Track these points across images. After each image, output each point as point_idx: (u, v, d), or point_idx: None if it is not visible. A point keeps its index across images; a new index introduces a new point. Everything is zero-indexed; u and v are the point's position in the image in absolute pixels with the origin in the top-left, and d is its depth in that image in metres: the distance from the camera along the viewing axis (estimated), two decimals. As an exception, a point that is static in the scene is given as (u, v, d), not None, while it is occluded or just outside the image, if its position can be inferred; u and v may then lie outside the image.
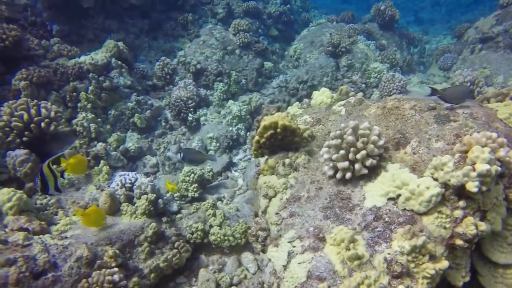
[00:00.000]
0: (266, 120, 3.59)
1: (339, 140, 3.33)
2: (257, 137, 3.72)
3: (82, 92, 6.96)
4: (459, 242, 2.84)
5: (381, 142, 3.25)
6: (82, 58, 7.43)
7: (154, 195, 4.99)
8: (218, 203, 6.11)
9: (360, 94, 4.49)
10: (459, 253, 3.00)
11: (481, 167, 2.63)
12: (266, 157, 3.93)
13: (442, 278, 3.12)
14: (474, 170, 2.69)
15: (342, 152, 3.26)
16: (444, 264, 2.81)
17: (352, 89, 8.62)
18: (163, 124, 7.97)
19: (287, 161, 3.69)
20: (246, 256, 4.99)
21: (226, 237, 5.02)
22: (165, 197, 5.44)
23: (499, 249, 3.09)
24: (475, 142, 2.84)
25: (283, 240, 3.15)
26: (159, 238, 4.65)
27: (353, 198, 3.27)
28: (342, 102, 4.26)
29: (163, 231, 4.78)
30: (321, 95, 4.81)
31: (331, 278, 2.75)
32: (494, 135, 2.89)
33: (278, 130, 3.62)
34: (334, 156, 3.28)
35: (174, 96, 8.03)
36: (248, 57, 9.40)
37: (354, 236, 2.92)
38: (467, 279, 3.10)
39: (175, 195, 5.89)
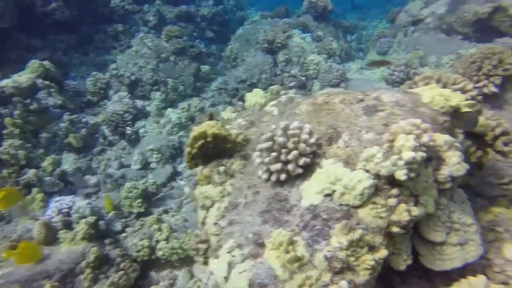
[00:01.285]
0: (195, 131, 3.50)
1: (270, 142, 3.30)
2: (188, 149, 3.61)
3: (7, 118, 6.49)
4: (395, 229, 2.91)
5: (312, 140, 3.26)
6: (4, 82, 6.92)
7: (95, 217, 4.76)
8: (164, 215, 5.94)
9: (292, 92, 4.51)
10: (398, 239, 3.08)
11: (407, 155, 2.70)
12: (201, 167, 3.83)
13: (387, 265, 3.21)
14: (401, 158, 2.75)
15: (273, 154, 3.23)
16: (383, 253, 2.87)
17: (293, 82, 8.75)
18: (101, 140, 7.64)
19: (221, 168, 3.62)
20: (198, 267, 4.88)
21: (174, 251, 4.89)
22: (107, 217, 5.19)
23: (434, 229, 3.20)
24: (400, 130, 2.91)
25: (222, 251, 3.08)
26: (102, 262, 4.43)
27: (290, 199, 3.26)
28: (274, 102, 4.25)
29: (107, 254, 4.56)
30: (254, 96, 4.77)
31: (272, 284, 2.72)
32: (418, 121, 2.98)
33: (208, 139, 3.54)
34: (266, 159, 3.25)
35: (110, 110, 7.72)
36: (184, 62, 9.23)
37: (292, 237, 2.91)
38: (409, 261, 3.20)
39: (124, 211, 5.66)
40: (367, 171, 2.97)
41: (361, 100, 3.52)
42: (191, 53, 9.32)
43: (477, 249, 3.37)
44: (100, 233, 4.69)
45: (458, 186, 4.55)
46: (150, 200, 6.31)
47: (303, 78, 9.01)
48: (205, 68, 9.58)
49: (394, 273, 3.61)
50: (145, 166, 7.10)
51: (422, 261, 3.33)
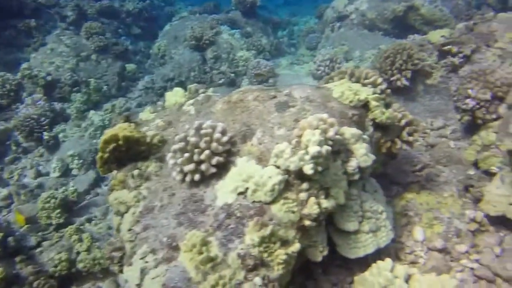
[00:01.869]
0: (106, 134, 3.38)
1: (183, 143, 3.28)
2: (99, 153, 3.47)
3: None
4: (307, 222, 3.02)
5: (224, 139, 3.28)
6: None
7: (1, 234, 4.42)
8: (87, 224, 5.68)
9: (211, 90, 4.50)
10: (313, 231, 3.20)
11: (313, 149, 2.81)
12: (115, 171, 3.71)
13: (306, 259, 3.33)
14: (307, 153, 2.85)
15: (186, 154, 3.21)
16: (296, 247, 2.97)
17: (222, 79, 8.75)
18: (14, 148, 7.12)
19: (136, 172, 3.53)
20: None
21: (96, 261, 4.70)
22: (18, 233, 4.85)
23: (347, 219, 3.37)
24: (308, 125, 3.01)
25: (135, 257, 3.01)
26: (11, 283, 4.13)
27: (206, 199, 3.26)
28: (191, 101, 4.22)
29: (17, 273, 4.25)
30: (174, 96, 4.70)
31: (186, 287, 2.70)
32: (325, 116, 3.10)
33: (120, 142, 3.43)
34: (179, 160, 3.22)
35: (22, 115, 7.19)
36: (107, 61, 8.87)
37: (206, 238, 2.91)
38: (325, 252, 3.34)
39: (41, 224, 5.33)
40: (278, 167, 3.04)
41: (274, 97, 3.60)
42: (115, 51, 8.98)
43: (388, 234, 3.61)
44: (8, 251, 4.37)
45: (375, 176, 4.85)
46: (71, 209, 6.01)
47: (233, 75, 9.06)
48: (130, 66, 9.28)
49: (316, 264, 3.76)
50: (66, 173, 6.73)
51: (339, 251, 3.49)
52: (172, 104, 4.70)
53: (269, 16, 13.24)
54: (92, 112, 7.74)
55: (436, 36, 6.09)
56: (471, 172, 4.63)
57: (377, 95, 3.77)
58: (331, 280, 3.68)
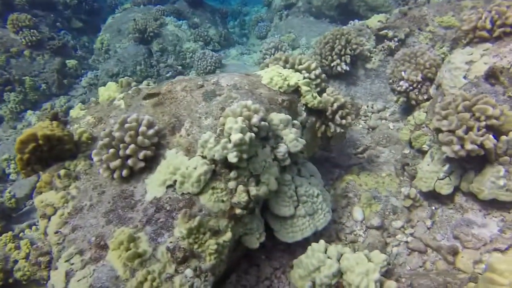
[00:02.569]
0: (23, 134, 3.24)
1: (108, 138, 3.21)
2: (17, 155, 3.33)
3: None
4: (237, 211, 3.05)
5: (151, 132, 3.25)
6: None
7: None
8: (27, 231, 5.48)
9: (144, 83, 4.42)
10: (246, 219, 3.24)
11: (235, 137, 2.82)
12: (41, 173, 3.58)
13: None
14: (230, 141, 2.87)
15: (111, 150, 3.15)
16: (228, 236, 3.00)
17: (170, 72, 8.62)
18: None
19: (62, 172, 3.42)
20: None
21: (35, 269, 4.51)
22: None
23: (282, 204, 3.44)
24: (231, 113, 3.03)
25: (60, 261, 2.93)
26: None
27: (136, 194, 3.22)
28: (121, 95, 4.13)
29: None
30: (107, 90, 4.58)
31: (113, 286, 2.67)
32: (249, 103, 3.13)
33: (40, 141, 3.31)
34: (104, 157, 3.15)
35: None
36: (44, 57, 8.50)
37: (134, 234, 2.88)
38: (263, 239, 3.40)
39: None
40: (204, 157, 3.05)
41: (201, 86, 3.59)
42: (51, 46, 8.61)
43: (326, 217, 3.72)
44: None
45: (318, 160, 4.98)
46: (9, 216, 5.76)
47: (180, 67, 8.95)
48: (71, 62, 8.94)
49: (260, 251, 3.82)
50: (1, 178, 6.44)
51: (277, 236, 3.56)
52: (105, 99, 4.58)
53: (217, 6, 13.13)
54: (29, 112, 7.42)
55: (374, 21, 6.27)
56: (406, 151, 4.84)
57: (307, 80, 3.84)
58: (273, 264, 3.75)
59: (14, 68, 8.06)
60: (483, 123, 3.59)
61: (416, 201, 4.23)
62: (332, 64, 5.87)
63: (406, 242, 3.95)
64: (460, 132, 3.61)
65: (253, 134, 2.92)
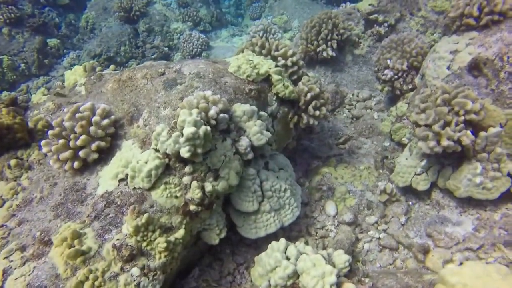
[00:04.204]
0: (-32, 120, 3.13)
1: (59, 128, 3.10)
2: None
3: None
4: (192, 207, 2.95)
5: (105, 122, 3.13)
6: None
7: None
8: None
9: (111, 67, 4.28)
10: (204, 215, 3.14)
11: (187, 131, 2.70)
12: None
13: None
14: (182, 135, 2.74)
15: (61, 141, 3.03)
16: (181, 233, 2.91)
17: (155, 54, 8.44)
18: None
19: (12, 162, 3.33)
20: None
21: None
22: None
23: (245, 199, 3.33)
24: (187, 105, 2.90)
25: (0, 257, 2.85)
26: None
27: (88, 187, 3.12)
28: (83, 81, 3.99)
29: None
30: (74, 74, 4.44)
31: (52, 285, 2.59)
32: (208, 93, 3.00)
33: (-13, 128, 3.20)
34: (53, 147, 3.04)
35: None
36: (24, 35, 8.32)
37: (80, 230, 2.79)
38: (223, 235, 3.30)
39: None
40: (157, 150, 2.93)
41: (163, 74, 3.45)
42: (32, 24, 8.41)
43: (293, 212, 3.61)
44: None
45: (297, 150, 4.86)
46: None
47: (166, 48, 8.75)
48: (53, 41, 8.76)
49: (225, 244, 3.75)
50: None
51: (240, 232, 3.47)
52: (71, 83, 4.45)
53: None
54: (4, 93, 7.29)
55: (365, 4, 6.04)
56: (387, 143, 4.71)
57: (279, 68, 3.69)
58: (237, 260, 3.68)
59: (-10, 46, 7.91)
60: (462, 118, 3.45)
61: (393, 196, 4.12)
62: (318, 50, 5.69)
63: (378, 238, 3.86)
64: (436, 127, 3.47)
65: (208, 128, 2.79)
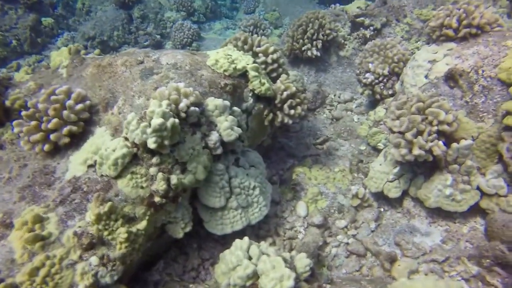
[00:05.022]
0: None
1: (33, 109, 2.99)
2: None
3: None
4: (157, 199, 2.87)
5: (78, 106, 3.03)
6: None
7: None
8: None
9: (96, 52, 4.15)
10: (170, 207, 3.06)
11: (154, 122, 2.61)
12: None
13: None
14: (149, 125, 2.65)
15: (33, 122, 2.93)
16: (143, 224, 2.84)
17: (148, 41, 8.28)
18: None
19: (-17, 140, 3.21)
20: None
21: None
22: None
23: (213, 195, 3.26)
24: (159, 95, 2.81)
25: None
26: None
27: (57, 171, 3.03)
28: (66, 63, 3.86)
29: None
30: (59, 56, 4.32)
31: (6, 269, 2.50)
32: (180, 85, 2.91)
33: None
34: (24, 128, 2.94)
35: None
36: (17, 12, 8.10)
37: (44, 214, 2.70)
38: (188, 229, 3.23)
39: None
40: (127, 139, 2.84)
41: (141, 62, 3.35)
42: (26, 0, 8.18)
43: (261, 210, 3.54)
44: None
45: (274, 147, 4.78)
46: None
47: (158, 36, 8.59)
48: (47, 20, 8.55)
49: (192, 238, 3.68)
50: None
51: (206, 227, 3.39)
52: (56, 64, 4.31)
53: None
54: (-6, 68, 7.12)
55: (353, 7, 5.95)
56: (363, 147, 4.65)
57: (256, 65, 3.60)
58: (203, 255, 3.61)
59: (-18, 21, 7.68)
60: (435, 128, 3.40)
61: (365, 201, 4.07)
62: (303, 48, 5.59)
63: (347, 243, 3.79)
64: (409, 135, 3.41)
65: (177, 120, 2.70)
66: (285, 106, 3.72)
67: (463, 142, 3.43)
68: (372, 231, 3.88)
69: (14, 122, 3.05)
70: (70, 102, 3.00)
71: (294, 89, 3.74)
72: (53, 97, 2.99)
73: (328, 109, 5.50)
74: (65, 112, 2.98)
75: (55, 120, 2.93)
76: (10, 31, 7.84)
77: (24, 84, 3.95)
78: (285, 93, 3.71)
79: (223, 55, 3.46)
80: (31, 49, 8.09)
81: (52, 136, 2.97)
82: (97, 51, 4.16)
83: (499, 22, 3.62)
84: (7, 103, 3.48)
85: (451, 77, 3.60)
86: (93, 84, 3.43)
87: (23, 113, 3.01)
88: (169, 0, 9.35)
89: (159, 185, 2.79)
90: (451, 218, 3.72)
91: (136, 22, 8.78)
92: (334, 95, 5.61)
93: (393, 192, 3.87)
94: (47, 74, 4.02)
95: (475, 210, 3.57)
